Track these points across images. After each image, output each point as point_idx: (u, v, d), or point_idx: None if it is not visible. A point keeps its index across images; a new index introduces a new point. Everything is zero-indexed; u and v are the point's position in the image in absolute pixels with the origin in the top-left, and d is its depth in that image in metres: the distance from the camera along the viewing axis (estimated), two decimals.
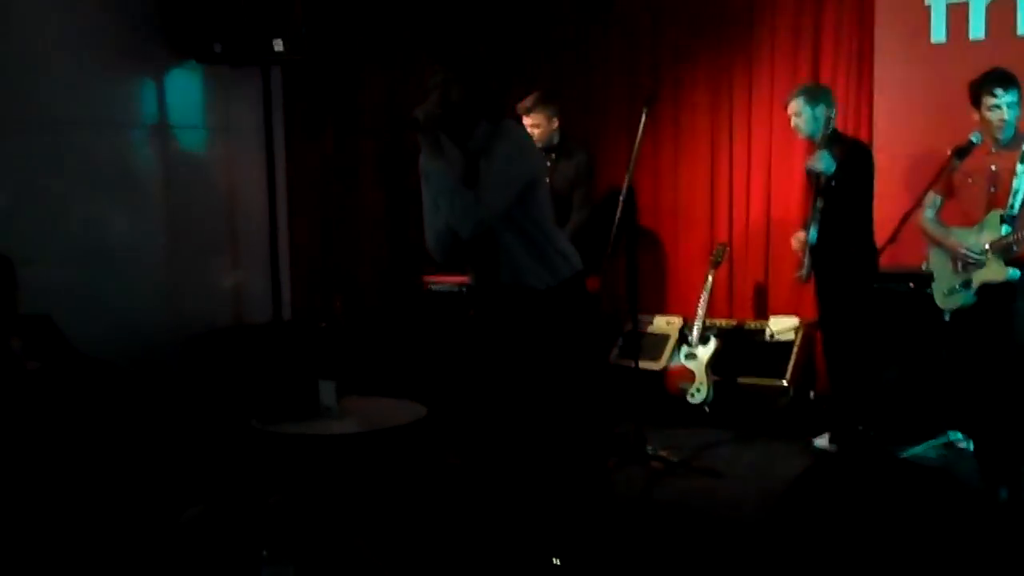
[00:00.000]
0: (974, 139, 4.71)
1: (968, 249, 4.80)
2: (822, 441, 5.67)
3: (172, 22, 5.59)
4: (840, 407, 5.60)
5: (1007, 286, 4.69)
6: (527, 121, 5.67)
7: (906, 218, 4.54)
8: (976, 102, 4.80)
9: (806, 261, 5.53)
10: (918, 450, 5.41)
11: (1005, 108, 4.69)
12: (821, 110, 5.48)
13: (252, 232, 6.11)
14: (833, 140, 5.49)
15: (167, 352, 5.55)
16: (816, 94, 5.56)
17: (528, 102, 5.73)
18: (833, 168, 5.32)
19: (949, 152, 4.76)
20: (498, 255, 3.78)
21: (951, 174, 4.85)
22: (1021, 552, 3.05)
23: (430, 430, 4.55)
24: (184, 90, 5.85)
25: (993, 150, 4.79)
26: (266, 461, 4.45)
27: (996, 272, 4.71)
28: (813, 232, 5.46)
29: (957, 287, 4.89)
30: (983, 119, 4.79)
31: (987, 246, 4.73)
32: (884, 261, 4.87)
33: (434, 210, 3.76)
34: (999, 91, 4.69)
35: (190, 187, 5.88)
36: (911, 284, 5.42)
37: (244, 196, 6.11)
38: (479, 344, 4.09)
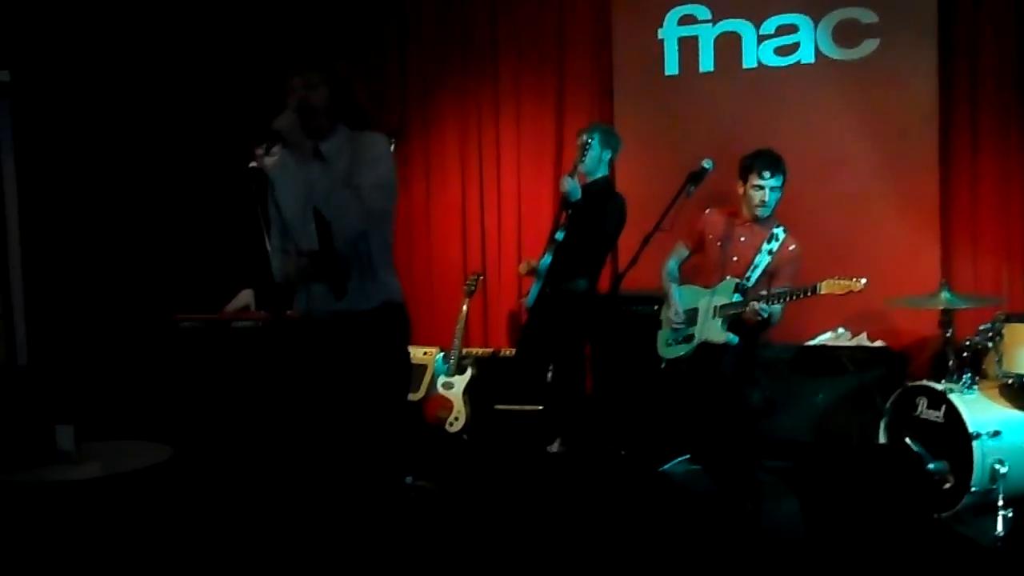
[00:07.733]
0: (706, 165, 4.93)
1: (676, 314, 5.07)
2: (555, 447, 5.78)
3: None
4: (572, 417, 5.75)
5: (722, 347, 4.94)
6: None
7: (647, 240, 4.72)
8: (743, 177, 5.02)
9: (533, 287, 5.68)
10: (667, 467, 5.63)
11: (767, 191, 4.92)
12: (607, 154, 5.63)
13: None
14: (599, 185, 5.63)
15: None
16: (610, 136, 5.69)
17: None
18: (578, 195, 5.46)
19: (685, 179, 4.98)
20: (350, 268, 3.54)
21: (697, 225, 5.10)
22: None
23: (177, 471, 4.38)
24: None
25: (747, 223, 5.03)
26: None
27: (717, 334, 4.95)
28: (547, 258, 5.60)
29: (678, 340, 5.13)
30: (745, 194, 5.02)
31: (713, 308, 4.97)
32: (628, 284, 5.03)
33: (280, 233, 3.53)
34: (767, 174, 4.91)
35: None
36: (655, 307, 5.62)
37: None
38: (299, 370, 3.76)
